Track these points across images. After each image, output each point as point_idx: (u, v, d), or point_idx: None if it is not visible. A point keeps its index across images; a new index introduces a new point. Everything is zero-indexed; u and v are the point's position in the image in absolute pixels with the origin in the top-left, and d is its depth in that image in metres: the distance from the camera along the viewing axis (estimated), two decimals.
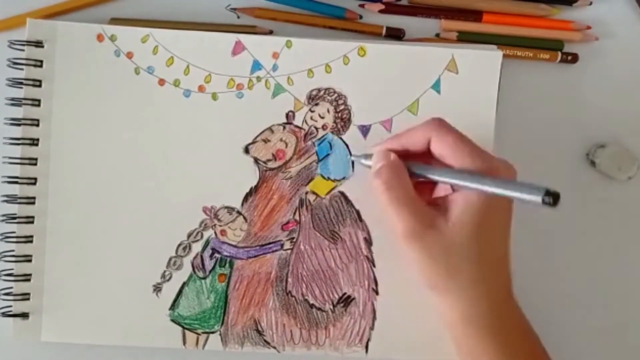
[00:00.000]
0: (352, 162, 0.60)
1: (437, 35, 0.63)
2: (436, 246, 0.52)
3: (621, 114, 0.65)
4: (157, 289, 0.60)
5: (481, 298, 0.53)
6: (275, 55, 0.60)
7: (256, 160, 0.60)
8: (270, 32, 0.62)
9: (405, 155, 0.55)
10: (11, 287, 0.59)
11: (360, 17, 0.63)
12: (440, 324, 0.57)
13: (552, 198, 0.45)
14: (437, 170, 0.53)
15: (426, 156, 0.55)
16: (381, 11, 0.62)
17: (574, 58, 0.63)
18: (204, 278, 0.60)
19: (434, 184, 0.57)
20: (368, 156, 0.57)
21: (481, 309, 0.54)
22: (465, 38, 0.63)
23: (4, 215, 0.59)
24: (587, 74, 0.64)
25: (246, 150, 0.60)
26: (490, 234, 0.53)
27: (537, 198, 0.45)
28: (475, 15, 0.63)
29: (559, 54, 0.63)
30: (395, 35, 0.63)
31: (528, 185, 0.47)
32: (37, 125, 0.59)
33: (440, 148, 0.53)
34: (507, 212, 0.55)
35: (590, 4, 0.64)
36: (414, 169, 0.54)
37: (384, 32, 0.62)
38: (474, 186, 0.51)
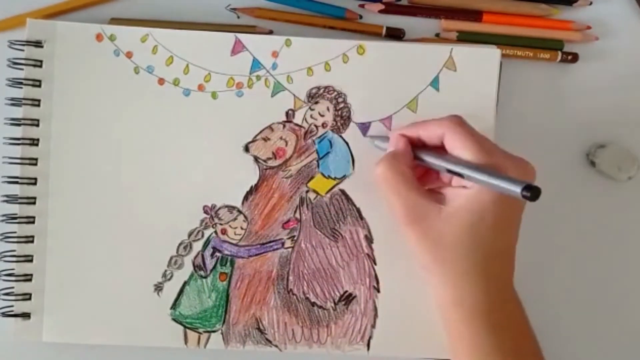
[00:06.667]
0: (353, 160, 0.60)
1: (437, 35, 0.63)
2: (428, 235, 0.54)
3: (621, 114, 0.65)
4: (158, 288, 0.60)
5: (471, 286, 0.54)
6: (275, 54, 0.60)
7: (256, 159, 0.60)
8: (270, 32, 0.62)
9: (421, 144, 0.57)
10: (12, 287, 0.59)
11: (360, 17, 0.63)
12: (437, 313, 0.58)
13: (531, 192, 0.46)
14: (434, 156, 0.55)
15: (442, 149, 0.56)
16: (381, 11, 0.63)
17: (574, 58, 0.63)
18: (205, 277, 0.60)
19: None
20: (385, 138, 0.59)
21: (471, 296, 0.54)
22: (465, 38, 0.63)
23: (4, 215, 0.59)
24: (587, 74, 0.64)
25: (246, 148, 0.60)
26: (489, 231, 0.53)
27: (517, 190, 0.47)
28: (475, 15, 0.63)
29: (559, 53, 0.63)
30: (395, 35, 0.63)
31: (511, 178, 0.49)
32: (37, 125, 0.59)
33: (452, 145, 0.54)
34: (514, 211, 0.55)
35: (590, 4, 0.64)
36: (418, 153, 0.56)
37: (384, 32, 0.62)
38: (462, 172, 0.52)
